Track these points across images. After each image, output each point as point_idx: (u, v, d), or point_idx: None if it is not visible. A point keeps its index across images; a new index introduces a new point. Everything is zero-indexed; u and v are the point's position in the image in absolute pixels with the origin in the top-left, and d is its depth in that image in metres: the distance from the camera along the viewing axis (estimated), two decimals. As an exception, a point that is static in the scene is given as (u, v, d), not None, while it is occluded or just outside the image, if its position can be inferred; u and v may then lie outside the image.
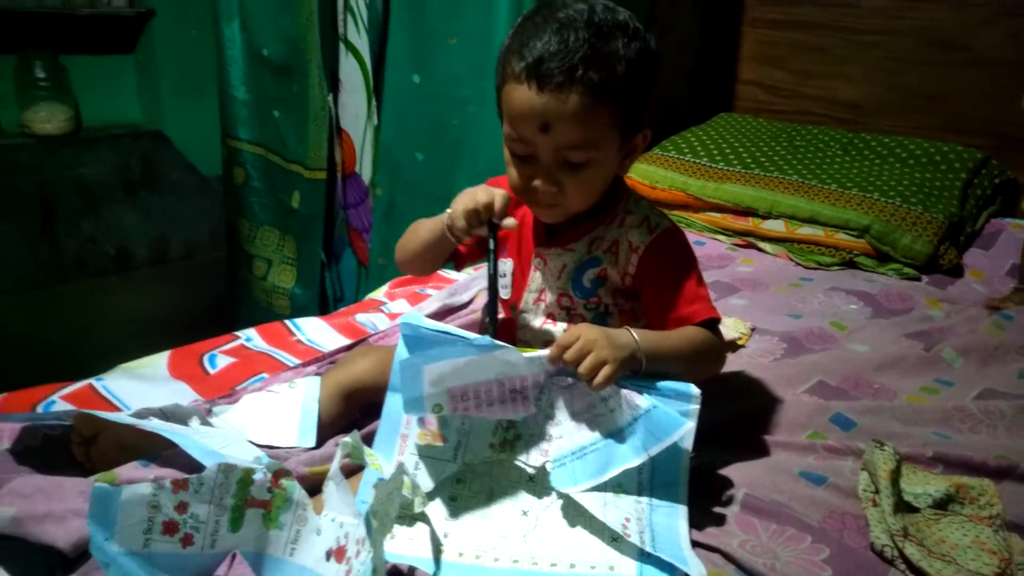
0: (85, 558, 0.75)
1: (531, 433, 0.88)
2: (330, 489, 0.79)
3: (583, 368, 0.82)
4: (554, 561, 0.80)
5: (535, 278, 1.04)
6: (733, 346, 1.35)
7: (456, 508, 0.85)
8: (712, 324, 0.97)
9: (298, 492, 0.79)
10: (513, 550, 0.81)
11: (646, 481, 0.85)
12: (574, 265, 1.01)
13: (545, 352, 0.85)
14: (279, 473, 0.79)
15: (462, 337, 0.85)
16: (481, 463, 0.87)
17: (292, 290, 2.34)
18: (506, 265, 1.07)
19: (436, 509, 0.85)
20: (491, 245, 0.94)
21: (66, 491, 0.80)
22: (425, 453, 0.88)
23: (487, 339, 0.84)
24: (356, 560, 0.72)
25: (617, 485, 0.84)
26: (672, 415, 0.82)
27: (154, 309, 2.49)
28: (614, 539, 0.81)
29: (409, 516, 0.83)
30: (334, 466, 0.79)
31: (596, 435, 0.85)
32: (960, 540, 0.87)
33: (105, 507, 0.70)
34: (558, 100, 0.87)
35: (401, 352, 0.88)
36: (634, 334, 0.87)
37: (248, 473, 0.76)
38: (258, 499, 0.77)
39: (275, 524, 0.77)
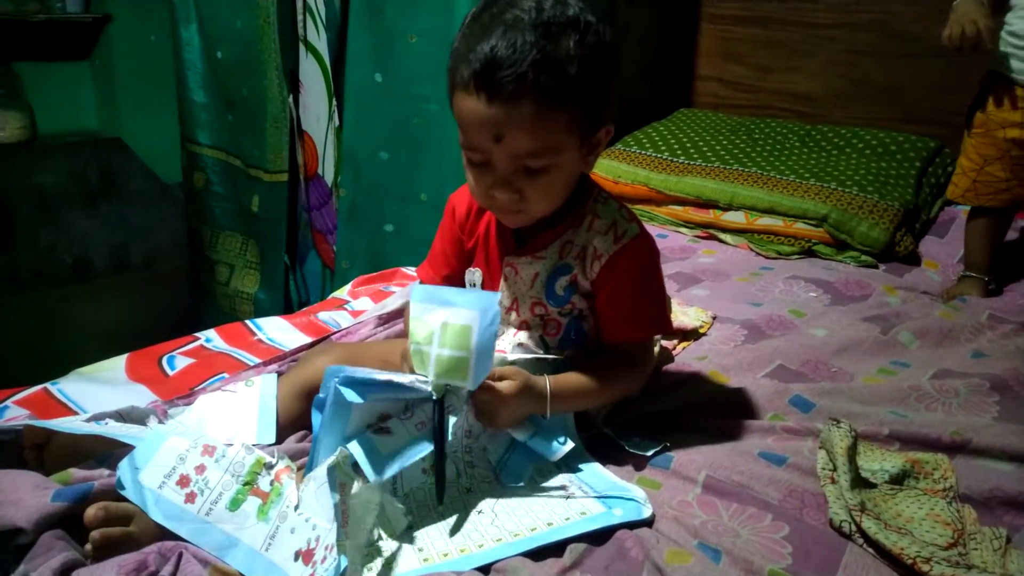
0: (29, 547, 0.74)
1: (453, 449, 0.90)
2: (309, 489, 0.79)
3: (482, 419, 0.89)
4: (532, 527, 0.84)
5: (505, 289, 1.01)
6: (695, 334, 1.36)
7: (415, 530, 0.84)
8: (645, 342, 1.02)
9: (288, 489, 0.82)
10: (491, 534, 0.83)
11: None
12: (547, 273, 0.98)
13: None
14: (282, 470, 0.84)
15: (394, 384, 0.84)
16: (419, 489, 0.88)
17: (256, 295, 2.32)
18: (475, 275, 1.06)
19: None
20: (434, 421, 0.87)
21: (20, 484, 0.79)
22: None
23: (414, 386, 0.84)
24: (321, 565, 0.72)
25: (539, 472, 0.93)
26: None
27: (115, 319, 2.45)
28: (567, 498, 0.88)
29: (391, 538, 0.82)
30: (320, 469, 0.79)
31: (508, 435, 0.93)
32: (915, 513, 0.88)
33: (154, 444, 0.81)
34: (509, 110, 0.83)
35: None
36: (548, 388, 0.91)
37: (261, 460, 0.83)
38: (261, 489, 0.81)
39: (264, 516, 0.80)
